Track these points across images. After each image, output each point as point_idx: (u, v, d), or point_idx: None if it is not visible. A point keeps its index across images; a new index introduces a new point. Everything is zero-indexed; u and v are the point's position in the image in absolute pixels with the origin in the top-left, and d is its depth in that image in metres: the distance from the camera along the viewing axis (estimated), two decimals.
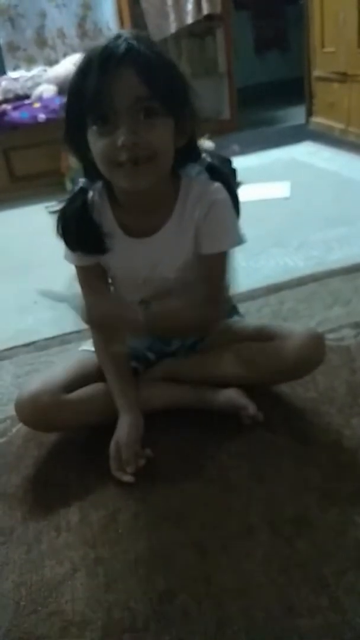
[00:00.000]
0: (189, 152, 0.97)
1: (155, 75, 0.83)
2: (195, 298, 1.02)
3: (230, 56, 4.00)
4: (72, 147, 0.94)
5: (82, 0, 3.69)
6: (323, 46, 3.37)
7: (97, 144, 0.87)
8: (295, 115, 4.08)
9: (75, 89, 0.87)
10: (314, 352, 1.02)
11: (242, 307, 1.27)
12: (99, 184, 1.02)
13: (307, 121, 3.78)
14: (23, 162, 3.17)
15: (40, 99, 3.18)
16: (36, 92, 3.26)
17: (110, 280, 1.10)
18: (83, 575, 0.81)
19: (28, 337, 1.52)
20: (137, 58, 0.82)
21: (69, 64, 3.26)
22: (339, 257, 1.74)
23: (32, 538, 0.89)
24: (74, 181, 2.90)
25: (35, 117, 3.06)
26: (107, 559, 0.83)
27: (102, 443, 1.00)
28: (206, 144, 2.29)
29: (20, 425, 1.09)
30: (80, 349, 1.18)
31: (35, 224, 2.49)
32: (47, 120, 3.03)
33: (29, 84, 3.37)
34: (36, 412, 0.99)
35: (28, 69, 3.50)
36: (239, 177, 1.06)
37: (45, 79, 3.33)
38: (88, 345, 1.14)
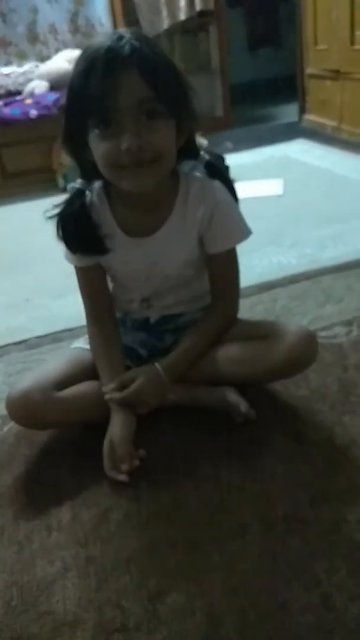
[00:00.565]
0: (188, 151, 0.97)
1: (159, 77, 0.83)
2: (202, 323, 1.05)
3: (223, 53, 3.99)
4: (71, 149, 0.93)
5: None
6: (316, 43, 3.37)
7: (99, 146, 0.86)
8: (288, 112, 4.08)
9: (77, 91, 0.85)
10: (306, 351, 1.02)
11: None
12: (96, 185, 1.01)
13: (300, 118, 3.78)
14: (15, 158, 3.14)
15: (32, 95, 3.16)
16: (28, 88, 3.24)
17: (110, 280, 1.10)
18: (74, 574, 0.81)
19: (20, 335, 1.51)
20: (142, 60, 0.82)
21: (61, 60, 3.25)
22: (332, 255, 1.74)
23: (23, 537, 0.89)
24: (66, 178, 2.91)
25: (27, 114, 3.04)
26: (99, 558, 0.83)
27: (94, 442, 1.00)
28: (199, 141, 2.28)
29: (11, 423, 1.08)
30: (72, 346, 1.17)
31: (27, 222, 2.48)
32: (39, 117, 3.01)
33: (21, 79, 3.36)
34: (27, 409, 0.98)
35: (20, 65, 3.47)
36: (232, 175, 1.06)
37: (37, 75, 3.31)
38: (80, 343, 1.14)
